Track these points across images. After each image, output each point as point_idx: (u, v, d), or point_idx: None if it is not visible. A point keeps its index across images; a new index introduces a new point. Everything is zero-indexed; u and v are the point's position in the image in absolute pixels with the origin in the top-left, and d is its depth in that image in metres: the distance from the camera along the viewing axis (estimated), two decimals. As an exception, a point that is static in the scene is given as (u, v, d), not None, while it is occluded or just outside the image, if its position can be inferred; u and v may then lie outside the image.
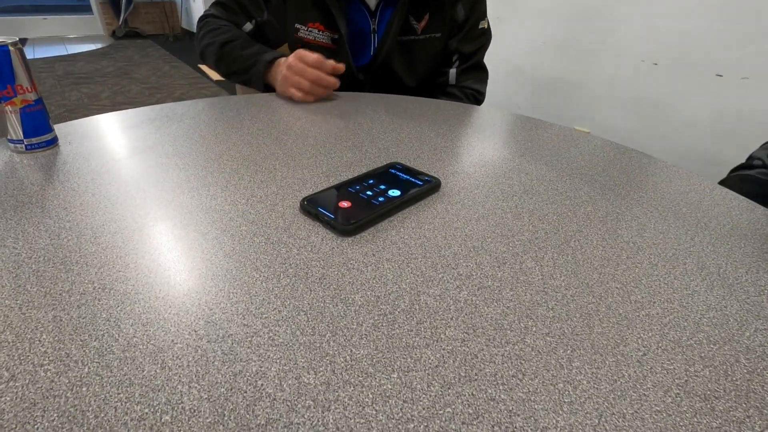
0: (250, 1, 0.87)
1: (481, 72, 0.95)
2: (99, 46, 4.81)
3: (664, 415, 0.25)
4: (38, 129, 0.51)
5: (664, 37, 1.46)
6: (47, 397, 0.24)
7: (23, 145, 0.52)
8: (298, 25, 0.84)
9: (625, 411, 0.25)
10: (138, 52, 4.57)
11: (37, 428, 0.22)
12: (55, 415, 0.23)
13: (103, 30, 5.58)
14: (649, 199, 0.49)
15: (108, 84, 3.36)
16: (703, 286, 0.35)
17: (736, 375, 0.27)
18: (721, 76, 1.35)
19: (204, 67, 2.37)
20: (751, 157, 0.66)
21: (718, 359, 0.28)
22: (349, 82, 0.88)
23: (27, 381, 0.25)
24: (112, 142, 0.57)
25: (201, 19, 0.90)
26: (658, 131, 1.55)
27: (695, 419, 0.24)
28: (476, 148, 0.61)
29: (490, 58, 0.96)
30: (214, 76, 2.24)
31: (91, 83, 3.37)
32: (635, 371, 0.27)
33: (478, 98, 0.95)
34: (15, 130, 0.51)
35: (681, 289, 0.35)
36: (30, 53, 4.30)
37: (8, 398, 0.24)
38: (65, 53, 4.35)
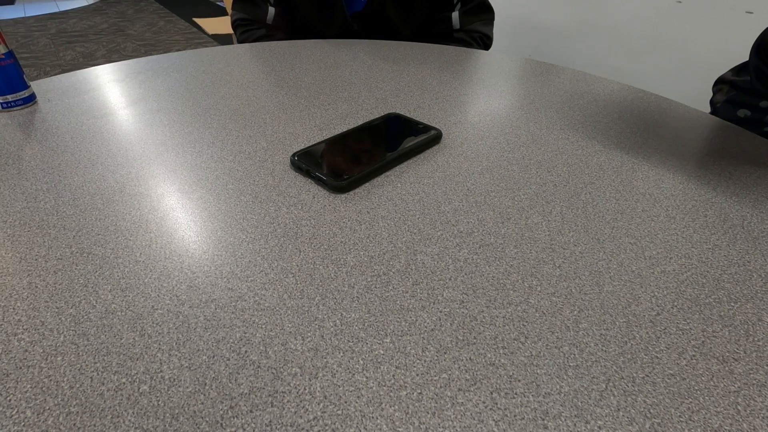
0: None
1: (487, 13, 0.87)
2: (91, 1, 4.62)
3: (678, 378, 0.23)
4: (12, 85, 0.48)
5: (691, -30, 1.34)
6: (20, 368, 0.23)
7: (-1, 104, 0.49)
8: None
9: (635, 375, 0.23)
10: (131, 7, 4.38)
11: (10, 400, 0.21)
12: (29, 386, 0.22)
13: (94, -17, 5.34)
14: (669, 147, 0.45)
15: (103, 42, 3.25)
16: (725, 239, 0.33)
17: (758, 335, 0.25)
18: (751, 13, 1.25)
19: (199, 21, 2.26)
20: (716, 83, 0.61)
21: (738, 318, 0.26)
22: (342, 33, 0.83)
23: (0, 351, 0.23)
24: (94, 98, 0.53)
25: (232, 25, 0.91)
26: (682, 74, 1.46)
27: (711, 383, 0.23)
28: (481, 96, 0.57)
29: (498, 3, 0.88)
30: (210, 29, 2.13)
31: (86, 41, 3.26)
32: (647, 332, 0.25)
33: (486, 42, 0.88)
34: (-12, 87, 0.48)
35: (700, 243, 0.32)
36: (21, 11, 4.15)
37: (-20, 369, 0.22)
38: (57, 10, 4.19)
